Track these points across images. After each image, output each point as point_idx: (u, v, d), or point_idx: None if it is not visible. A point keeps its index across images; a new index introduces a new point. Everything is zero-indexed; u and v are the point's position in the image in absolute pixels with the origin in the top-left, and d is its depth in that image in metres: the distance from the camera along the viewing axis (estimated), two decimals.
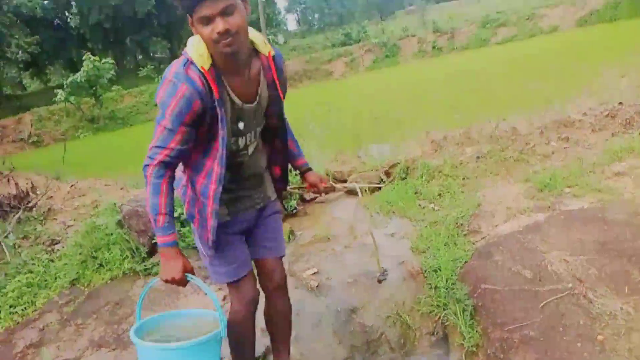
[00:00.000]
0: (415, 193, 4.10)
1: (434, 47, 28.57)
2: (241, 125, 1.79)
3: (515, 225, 3.21)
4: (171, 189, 1.75)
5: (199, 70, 1.63)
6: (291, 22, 79.90)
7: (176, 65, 1.64)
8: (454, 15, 34.25)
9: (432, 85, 12.36)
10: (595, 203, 3.26)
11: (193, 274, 1.79)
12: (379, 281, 2.77)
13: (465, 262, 2.98)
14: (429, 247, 3.24)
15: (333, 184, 2.04)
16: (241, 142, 1.84)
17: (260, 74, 1.79)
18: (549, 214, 3.24)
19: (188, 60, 1.64)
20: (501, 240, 3.06)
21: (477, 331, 2.52)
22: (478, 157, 4.20)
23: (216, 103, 1.65)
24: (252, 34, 1.75)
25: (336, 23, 54.82)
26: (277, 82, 1.82)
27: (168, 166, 1.72)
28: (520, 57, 14.90)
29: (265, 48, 1.78)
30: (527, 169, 3.96)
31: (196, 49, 1.64)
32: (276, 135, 2.02)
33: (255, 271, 2.15)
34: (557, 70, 9.90)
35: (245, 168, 1.93)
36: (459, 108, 7.63)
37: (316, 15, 69.44)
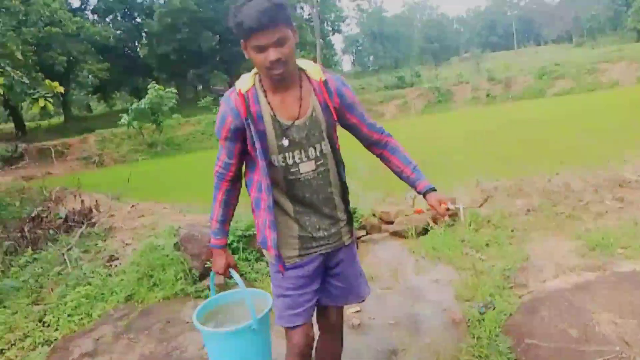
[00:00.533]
0: (462, 241, 4.13)
1: (487, 95, 28.42)
2: (285, 142, 1.80)
3: (564, 282, 3.19)
4: (228, 200, 2.00)
5: (237, 93, 1.79)
6: (346, 63, 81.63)
7: (226, 92, 1.87)
8: (509, 64, 34.09)
9: (484, 133, 12.32)
10: None
11: (237, 270, 2.12)
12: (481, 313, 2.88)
13: (510, 314, 2.98)
14: (473, 296, 3.26)
15: (451, 206, 1.90)
16: (289, 158, 1.83)
17: (310, 95, 1.83)
18: (600, 273, 3.21)
19: (235, 87, 1.83)
20: (548, 296, 3.05)
21: None
22: (528, 210, 4.20)
23: (248, 120, 1.76)
24: (304, 64, 1.87)
25: (390, 66, 55.63)
26: (330, 104, 1.84)
27: (222, 177, 1.95)
28: (577, 111, 14.66)
29: (316, 74, 1.85)
30: (580, 227, 3.93)
31: (242, 78, 1.84)
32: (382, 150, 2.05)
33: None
34: (615, 127, 9.70)
35: (303, 188, 1.89)
36: (511, 158, 7.60)
37: (371, 58, 70.73)
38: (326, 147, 1.88)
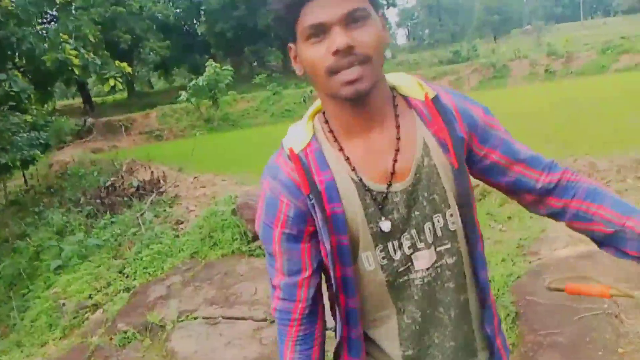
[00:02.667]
0: (487, 214, 4.54)
1: (546, 71, 27.55)
2: (386, 225, 1.00)
3: (572, 252, 3.57)
4: (305, 351, 1.10)
5: (288, 156, 1.02)
6: (401, 37, 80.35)
7: (270, 158, 1.07)
8: (572, 38, 32.71)
9: (534, 113, 12.30)
10: None
11: None
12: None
13: (518, 277, 3.41)
14: (489, 261, 3.70)
15: None
16: (393, 252, 1.01)
17: (415, 128, 1.02)
18: None
19: (281, 146, 1.05)
20: (555, 262, 3.45)
21: (515, 333, 2.97)
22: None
23: (312, 200, 0.98)
24: (395, 78, 1.08)
25: (447, 40, 54.47)
26: (449, 138, 1.00)
27: (288, 319, 1.08)
28: (635, 89, 14.24)
29: (417, 91, 1.05)
30: None
31: (292, 130, 1.06)
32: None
33: None
34: None
35: (417, 301, 1.04)
36: (554, 138, 7.76)
37: (427, 31, 69.31)
38: (454, 218, 1.02)
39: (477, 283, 1.08)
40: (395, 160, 0.99)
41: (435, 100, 1.03)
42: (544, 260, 3.52)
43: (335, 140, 1.01)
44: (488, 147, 1.06)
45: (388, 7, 44.18)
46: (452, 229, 1.03)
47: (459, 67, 30.46)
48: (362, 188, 0.99)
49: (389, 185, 0.99)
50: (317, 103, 1.07)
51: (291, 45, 0.99)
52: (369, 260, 1.02)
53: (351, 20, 0.89)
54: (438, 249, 1.03)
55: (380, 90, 0.99)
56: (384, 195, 0.99)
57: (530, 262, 3.58)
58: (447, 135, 1.00)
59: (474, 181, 1.08)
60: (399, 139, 0.99)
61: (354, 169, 0.99)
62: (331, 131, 1.02)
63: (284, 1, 0.92)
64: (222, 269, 4.20)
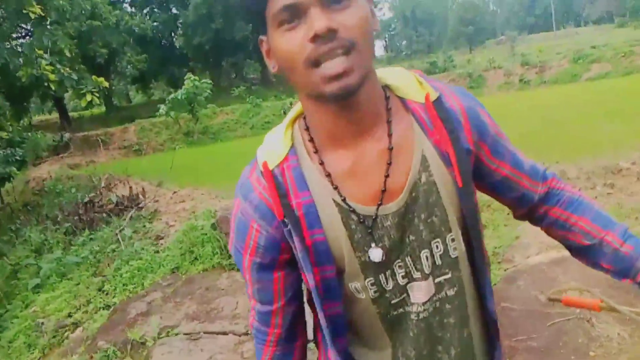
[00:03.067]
0: None
1: (521, 80, 28.18)
2: (376, 253, 0.85)
3: (544, 258, 3.68)
4: None
5: (261, 172, 0.87)
6: (379, 49, 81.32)
7: (244, 172, 0.93)
8: (545, 48, 33.57)
9: (509, 121, 12.54)
10: None
11: None
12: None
13: (494, 284, 3.50)
14: None
15: None
16: (385, 282, 0.87)
17: (412, 135, 0.85)
18: None
19: (255, 160, 0.90)
20: (528, 269, 3.56)
21: None
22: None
23: (288, 225, 0.84)
24: (390, 74, 0.91)
25: (423, 51, 55.32)
26: (452, 150, 0.84)
27: (263, 340, 0.99)
28: (608, 97, 14.66)
29: (416, 91, 0.88)
30: None
31: (267, 140, 0.91)
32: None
33: None
34: (636, 113, 9.86)
35: (414, 338, 0.91)
36: (527, 146, 7.94)
37: (404, 42, 70.29)
38: (456, 243, 0.88)
39: (484, 315, 0.94)
40: (386, 175, 0.82)
41: (438, 103, 0.85)
42: (518, 267, 3.63)
43: (316, 151, 0.85)
44: (500, 159, 0.91)
45: None
46: (453, 256, 0.87)
47: (436, 77, 30.90)
48: (346, 211, 0.83)
49: (379, 206, 0.83)
50: (298, 106, 0.90)
51: (262, 37, 0.83)
52: (358, 290, 0.87)
53: (332, 0, 0.73)
54: (437, 279, 0.87)
55: (371, 89, 0.81)
56: (373, 218, 0.83)
57: (505, 270, 3.68)
58: (450, 146, 0.83)
59: None
60: (391, 149, 0.83)
61: (336, 188, 0.83)
62: (312, 140, 0.86)
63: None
64: (203, 283, 4.21)
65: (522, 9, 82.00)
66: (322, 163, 0.84)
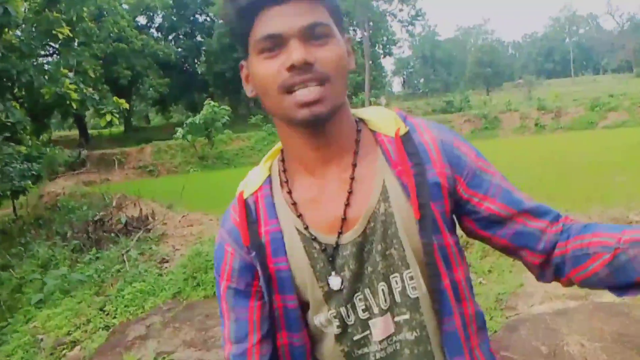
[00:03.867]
0: (469, 266, 4.59)
1: (536, 124, 28.22)
2: (335, 281, 0.85)
3: (547, 308, 3.63)
4: None
5: (237, 199, 0.92)
6: (396, 85, 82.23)
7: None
8: (562, 94, 33.69)
9: (522, 165, 12.55)
10: (626, 300, 3.60)
11: None
12: None
13: (495, 331, 3.46)
14: None
15: None
16: (347, 315, 0.87)
17: (375, 167, 0.87)
18: (581, 302, 3.63)
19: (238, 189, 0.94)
20: (530, 318, 3.50)
21: None
22: None
23: (252, 252, 0.87)
24: (367, 112, 0.94)
25: (441, 89, 55.80)
26: (412, 181, 0.83)
27: None
28: (623, 147, 14.60)
29: (388, 126, 0.89)
30: None
31: (252, 172, 0.96)
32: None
33: None
34: None
35: None
36: (538, 192, 7.92)
37: (422, 80, 71.00)
38: (415, 281, 0.85)
39: None
40: (346, 204, 0.84)
41: (406, 137, 0.86)
42: (521, 316, 3.58)
43: (287, 181, 0.89)
44: (482, 193, 0.86)
45: (385, 56, 45.46)
46: (412, 296, 0.84)
47: (451, 117, 31.11)
48: (309, 240, 0.85)
49: (339, 234, 0.84)
50: (280, 143, 0.94)
51: (243, 62, 0.88)
52: (323, 324, 0.86)
53: (311, 35, 0.77)
54: (396, 318, 0.85)
55: (341, 120, 0.85)
56: (334, 247, 0.84)
57: (507, 317, 3.62)
58: (411, 178, 0.82)
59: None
60: (352, 179, 0.85)
61: (300, 216, 0.86)
62: (285, 170, 0.91)
63: (236, 6, 0.80)
64: (203, 310, 4.21)
65: (541, 55, 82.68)
66: (289, 192, 0.88)
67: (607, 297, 3.69)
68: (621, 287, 0.80)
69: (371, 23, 37.93)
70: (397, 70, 77.26)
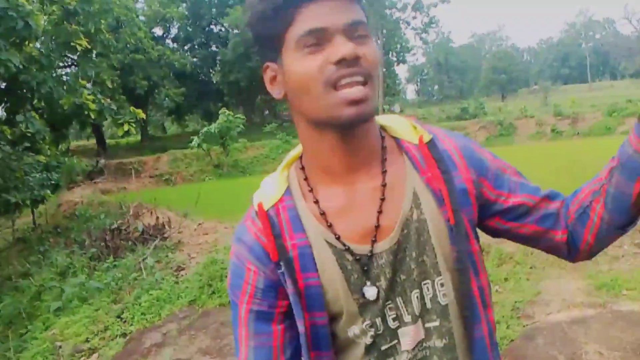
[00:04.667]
0: None
1: (553, 131, 27.91)
2: (371, 291, 0.84)
3: (565, 316, 3.59)
4: None
5: (256, 213, 0.87)
6: (410, 92, 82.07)
7: (243, 216, 0.93)
8: (579, 99, 33.34)
9: (538, 171, 12.41)
10: None
11: None
12: None
13: (512, 340, 3.42)
14: None
15: None
16: (379, 325, 0.85)
17: (405, 178, 0.86)
18: (599, 310, 3.58)
19: (252, 200, 0.91)
20: (548, 326, 3.47)
21: None
22: None
23: (282, 267, 0.83)
24: (386, 119, 0.94)
25: (455, 96, 55.52)
26: (445, 188, 0.84)
27: None
28: None
29: (411, 133, 0.90)
30: (593, 268, 4.28)
31: (264, 183, 0.92)
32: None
33: None
34: None
35: None
36: None
37: (436, 87, 70.81)
38: (445, 288, 0.85)
39: None
40: (379, 212, 0.83)
41: (431, 144, 0.86)
42: (538, 324, 3.54)
43: (311, 190, 0.85)
44: (507, 192, 0.88)
45: (398, 64, 45.45)
46: (442, 303, 0.83)
47: (466, 124, 30.92)
48: (341, 252, 0.82)
49: (373, 243, 0.82)
50: (294, 151, 0.92)
51: (269, 63, 0.84)
52: (357, 335, 0.84)
53: (354, 33, 0.77)
54: (426, 325, 0.84)
55: (372, 126, 0.85)
56: (369, 256, 0.82)
57: (524, 326, 3.59)
58: (443, 185, 0.83)
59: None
60: (384, 185, 0.83)
61: (330, 225, 0.83)
62: (307, 178, 0.87)
63: (275, 2, 0.78)
64: (218, 318, 4.23)
65: (557, 60, 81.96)
66: (316, 201, 0.84)
67: (626, 305, 3.64)
68: (629, 216, 0.83)
69: (385, 31, 37.98)
70: (411, 78, 77.14)
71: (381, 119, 0.92)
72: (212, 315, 4.30)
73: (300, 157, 0.91)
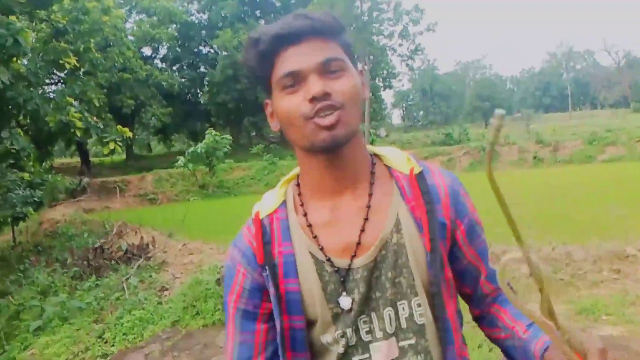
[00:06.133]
0: None
1: (534, 158, 28.38)
2: (346, 301, 0.91)
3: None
4: None
5: (252, 220, 0.98)
6: (396, 117, 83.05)
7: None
8: (560, 128, 34.05)
9: (519, 197, 12.62)
10: (624, 333, 3.62)
11: None
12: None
13: None
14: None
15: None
16: (350, 337, 0.92)
17: (390, 200, 0.94)
18: None
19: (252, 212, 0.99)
20: None
21: None
22: (530, 274, 4.65)
23: (266, 271, 0.91)
24: (381, 149, 1.02)
25: (440, 122, 56.35)
26: (425, 217, 0.91)
27: None
28: (620, 181, 14.70)
29: (404, 164, 0.98)
30: (574, 293, 4.36)
31: (266, 195, 1.02)
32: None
33: None
34: None
35: None
36: (536, 225, 7.96)
37: (421, 113, 71.74)
38: (423, 309, 0.92)
39: None
40: (362, 230, 0.90)
41: (420, 176, 0.94)
42: None
43: (302, 204, 0.95)
44: (470, 242, 0.97)
45: (385, 89, 46.02)
46: (419, 322, 0.90)
47: (451, 149, 31.31)
48: (321, 263, 0.90)
49: (353, 257, 0.90)
50: (295, 170, 1.02)
51: (267, 101, 0.96)
52: (330, 343, 0.91)
53: (327, 70, 0.86)
54: (401, 343, 0.90)
55: (356, 149, 0.93)
56: (347, 269, 0.90)
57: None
58: (424, 214, 0.90)
59: None
60: (368, 207, 0.92)
61: (315, 237, 0.91)
62: (300, 194, 0.97)
63: (258, 50, 0.89)
64: (202, 339, 4.21)
65: (539, 89, 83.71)
66: (305, 215, 0.94)
67: (605, 330, 3.71)
68: (504, 352, 0.99)
69: (371, 57, 38.57)
70: (397, 103, 78.11)
71: (378, 149, 1.02)
72: (196, 337, 4.27)
73: (298, 176, 1.00)
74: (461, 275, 1.00)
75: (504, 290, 0.91)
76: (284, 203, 0.97)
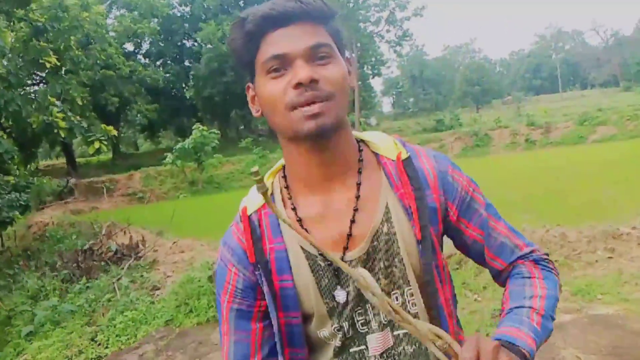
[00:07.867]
0: (463, 284, 4.58)
1: (526, 140, 28.45)
2: (341, 294, 0.89)
3: None
4: None
5: (240, 217, 0.94)
6: (386, 105, 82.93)
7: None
8: (551, 109, 34.15)
9: (513, 181, 12.62)
10: (620, 311, 3.59)
11: None
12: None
13: None
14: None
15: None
16: (347, 330, 0.92)
17: (380, 189, 0.92)
18: (575, 315, 3.62)
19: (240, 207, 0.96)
20: None
21: None
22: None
23: (259, 270, 0.89)
24: (368, 135, 1.00)
25: (430, 109, 56.23)
26: (414, 205, 0.89)
27: None
28: (612, 160, 14.76)
29: (391, 149, 0.95)
30: (569, 274, 4.33)
31: (253, 190, 0.95)
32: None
33: None
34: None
35: None
36: (530, 207, 7.94)
37: (411, 100, 71.66)
38: (415, 298, 0.92)
39: None
40: (352, 221, 0.87)
41: (407, 161, 0.91)
42: None
43: (290, 197, 0.91)
44: (468, 221, 0.94)
45: (374, 77, 45.87)
46: (412, 311, 0.89)
47: (442, 135, 31.32)
48: (313, 257, 0.88)
49: (345, 250, 0.87)
50: (281, 161, 0.97)
51: (250, 84, 0.92)
52: (327, 337, 0.91)
53: (315, 56, 0.82)
54: (395, 332, 0.90)
55: (344, 138, 0.89)
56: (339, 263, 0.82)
57: None
58: (413, 201, 0.88)
59: (452, 250, 1.00)
60: (358, 197, 0.88)
61: (306, 231, 0.87)
62: (288, 187, 0.93)
63: (244, 30, 0.84)
64: (196, 337, 4.14)
65: (529, 71, 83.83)
66: (294, 208, 0.90)
67: (601, 310, 3.69)
68: None
69: (359, 44, 38.36)
70: (387, 91, 77.94)
71: (364, 135, 0.98)
72: (190, 335, 4.20)
73: (284, 167, 0.97)
74: (468, 252, 1.00)
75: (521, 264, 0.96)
76: (272, 197, 0.93)
